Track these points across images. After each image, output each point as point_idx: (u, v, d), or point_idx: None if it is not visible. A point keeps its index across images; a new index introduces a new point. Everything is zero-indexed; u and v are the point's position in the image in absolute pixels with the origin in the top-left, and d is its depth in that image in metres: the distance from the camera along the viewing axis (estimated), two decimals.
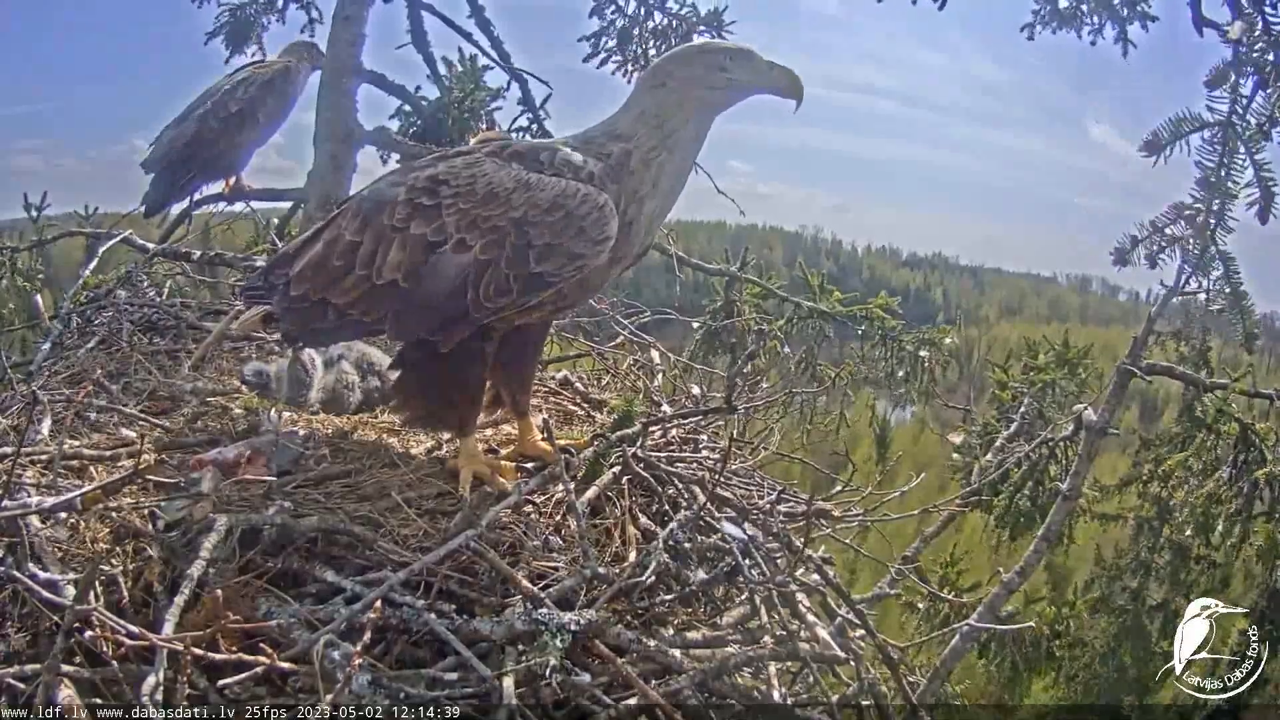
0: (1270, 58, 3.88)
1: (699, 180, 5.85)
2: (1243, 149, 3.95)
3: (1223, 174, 4.00)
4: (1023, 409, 6.29)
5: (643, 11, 6.55)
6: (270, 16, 6.74)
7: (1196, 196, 4.06)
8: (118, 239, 5.05)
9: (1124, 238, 4.18)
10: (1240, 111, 3.97)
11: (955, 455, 6.42)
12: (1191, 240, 4.04)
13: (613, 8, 6.57)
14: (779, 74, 2.88)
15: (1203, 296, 4.43)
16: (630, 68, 6.63)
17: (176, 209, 5.91)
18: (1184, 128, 3.99)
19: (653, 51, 6.58)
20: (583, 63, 6.63)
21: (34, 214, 5.89)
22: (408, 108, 6.34)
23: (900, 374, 6.43)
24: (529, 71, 6.59)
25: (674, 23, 6.53)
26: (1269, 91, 3.89)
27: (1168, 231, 4.13)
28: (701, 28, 6.48)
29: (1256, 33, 3.89)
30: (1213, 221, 4.05)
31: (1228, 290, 4.18)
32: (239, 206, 6.04)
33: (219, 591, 2.20)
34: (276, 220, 6.35)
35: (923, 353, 6.37)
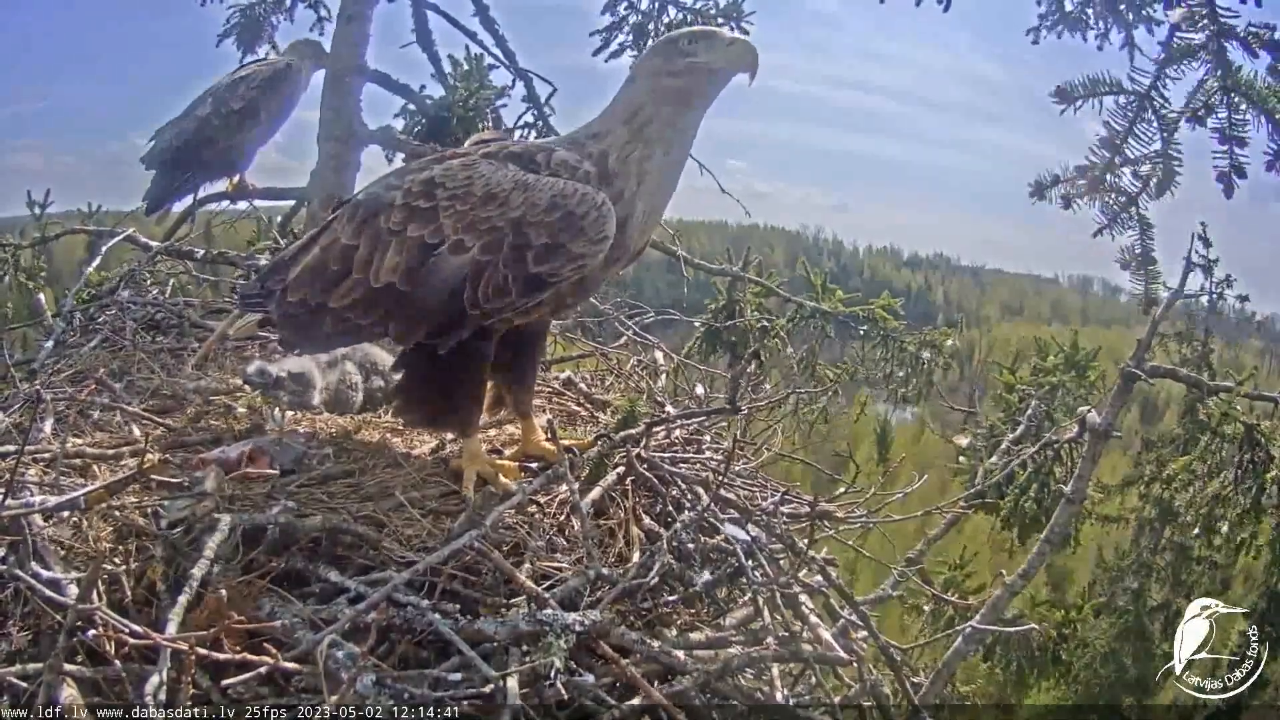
0: (1216, 46, 3.87)
1: (699, 180, 5.84)
2: (1156, 123, 3.92)
3: (1129, 141, 3.97)
4: (1029, 411, 6.27)
5: (656, 6, 6.52)
6: (279, 16, 6.74)
7: (1096, 153, 4.02)
8: (121, 237, 5.05)
9: (1045, 172, 4.10)
10: (1160, 89, 3.95)
11: (961, 458, 6.40)
12: (1085, 186, 3.99)
13: (625, 3, 6.54)
14: (737, 49, 2.78)
15: (1205, 299, 4.43)
16: None
17: (179, 207, 5.92)
18: (1100, 88, 3.94)
19: None
20: (592, 56, 6.59)
21: (36, 211, 5.89)
22: (412, 107, 6.34)
23: (900, 374, 6.42)
24: (533, 71, 6.58)
25: (688, 17, 6.49)
26: (1211, 79, 3.88)
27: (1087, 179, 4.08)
28: (720, 20, 6.45)
29: (1202, 20, 3.88)
30: (1125, 191, 4.01)
31: (1138, 252, 4.13)
32: (242, 205, 6.05)
33: (222, 591, 2.20)
34: (280, 218, 6.34)
35: (924, 354, 6.36)
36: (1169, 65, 3.86)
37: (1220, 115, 3.75)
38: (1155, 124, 3.85)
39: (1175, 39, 3.88)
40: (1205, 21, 3.84)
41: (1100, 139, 3.92)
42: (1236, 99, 3.72)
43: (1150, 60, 3.97)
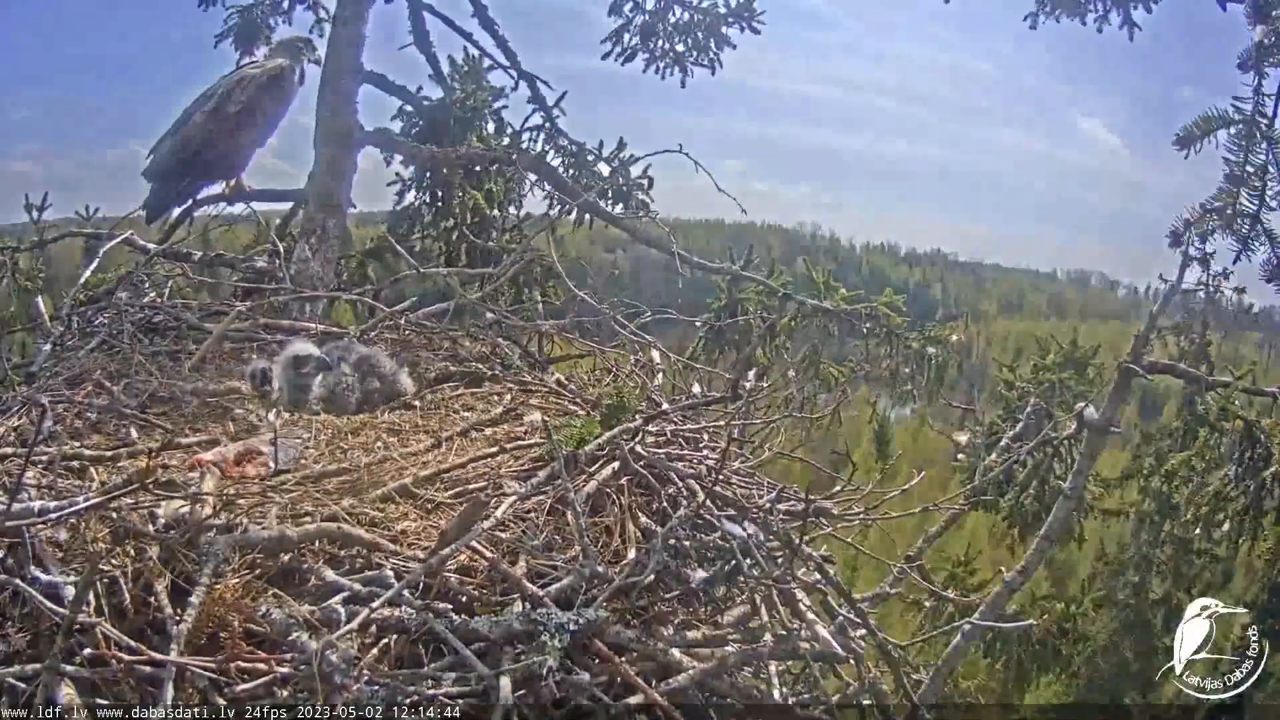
0: None
1: (697, 178, 5.83)
2: (1264, 145, 4.00)
3: (1247, 168, 4.07)
4: (1029, 409, 6.27)
5: (662, 5, 6.51)
6: (277, 18, 6.75)
7: (1224, 189, 4.11)
8: (118, 240, 5.05)
9: (1178, 220, 4.22)
10: (1262, 110, 4.01)
11: (961, 456, 6.40)
12: (1236, 221, 4.08)
13: (630, 4, 6.54)
14: None
15: (1202, 293, 4.43)
16: (660, 65, 6.60)
17: (177, 211, 5.91)
18: (1213, 124, 4.03)
19: (680, 47, 6.54)
20: (602, 60, 6.59)
21: (34, 215, 5.89)
22: (409, 108, 6.34)
23: (906, 371, 6.39)
24: (532, 73, 6.58)
25: (695, 16, 6.49)
26: None
27: (1216, 211, 4.17)
28: (730, 20, 6.45)
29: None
30: (1239, 210, 4.10)
31: (1275, 263, 4.22)
32: (239, 208, 6.04)
33: (220, 591, 2.21)
34: (277, 221, 6.34)
35: (930, 350, 6.33)
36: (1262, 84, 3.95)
37: None
38: (1264, 146, 3.94)
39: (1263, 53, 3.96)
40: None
41: (1225, 175, 4.02)
42: None
43: (1247, 87, 4.06)
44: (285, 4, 6.75)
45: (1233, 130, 4.01)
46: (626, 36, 6.58)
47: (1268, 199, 4.06)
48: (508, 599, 2.42)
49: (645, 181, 6.46)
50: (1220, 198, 4.12)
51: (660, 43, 6.56)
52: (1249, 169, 4.03)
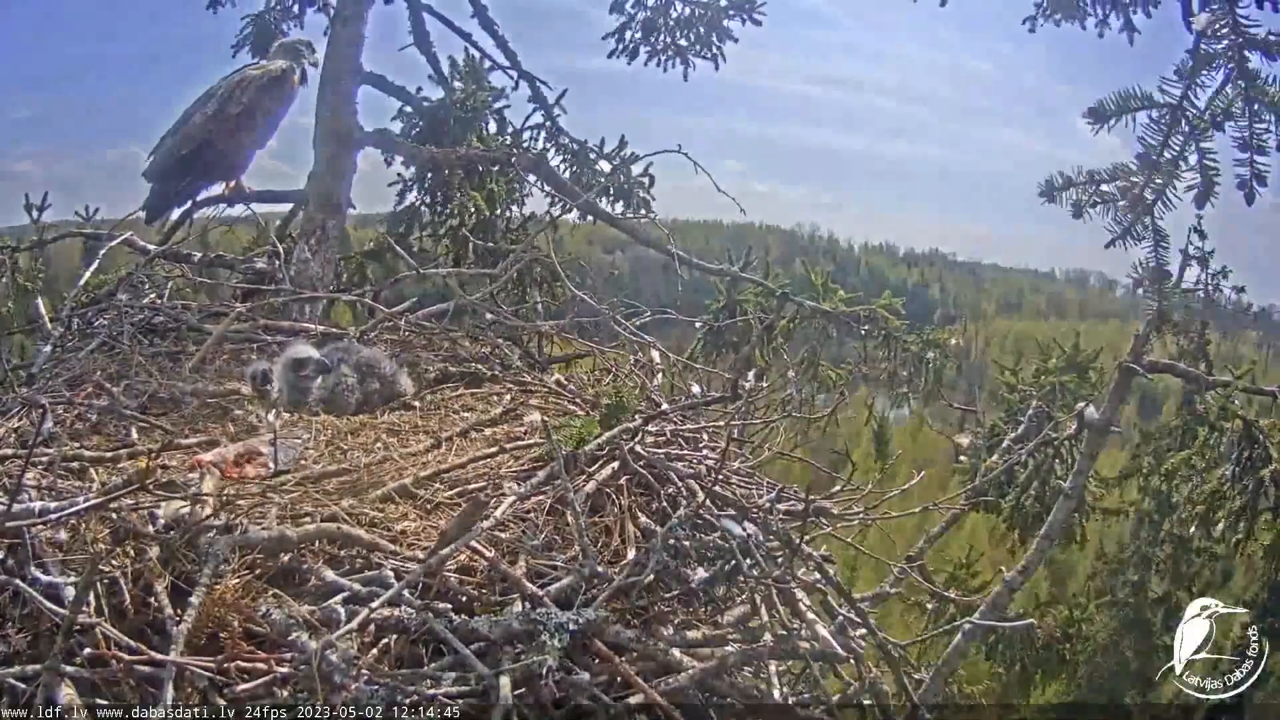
0: (1237, 55, 3.88)
1: (696, 179, 5.83)
2: (1188, 132, 3.94)
3: (1164, 155, 3.99)
4: (1030, 410, 6.26)
5: (663, 1, 6.51)
6: (289, 22, 6.76)
7: (1135, 170, 4.04)
8: (118, 240, 5.05)
9: (1056, 175, 4.10)
10: (1191, 99, 3.97)
11: (962, 458, 6.39)
12: (1124, 206, 4.01)
13: (632, 1, 6.54)
14: None
15: (1201, 292, 4.43)
16: (662, 59, 6.60)
17: (177, 212, 5.91)
18: (1131, 103, 3.96)
19: (683, 41, 6.54)
20: (608, 58, 6.59)
21: (34, 215, 5.89)
22: (409, 109, 6.34)
23: (904, 374, 6.39)
24: (531, 73, 6.58)
25: (696, 10, 6.48)
26: (1232, 86, 3.89)
27: (1104, 188, 4.09)
28: (731, 12, 6.44)
29: (1223, 29, 3.89)
30: (1150, 197, 4.04)
31: (1152, 265, 4.15)
32: (239, 209, 6.04)
33: (220, 591, 2.21)
34: (277, 222, 6.34)
35: (928, 354, 6.33)
36: (1196, 74, 3.87)
37: (1241, 123, 3.76)
38: (1187, 134, 3.85)
39: (1201, 48, 3.89)
40: (1226, 29, 3.85)
41: (1137, 155, 3.93)
42: (1258, 107, 3.72)
43: (1174, 70, 3.98)
44: (295, 8, 6.76)
45: (1154, 114, 3.95)
46: (629, 33, 6.58)
47: (1168, 194, 3.97)
48: (508, 599, 2.42)
49: (646, 180, 6.47)
50: (1118, 175, 4.03)
51: (662, 37, 6.56)
52: (1166, 155, 3.95)
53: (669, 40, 6.54)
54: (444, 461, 3.03)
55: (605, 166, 6.53)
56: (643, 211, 6.37)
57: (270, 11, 6.71)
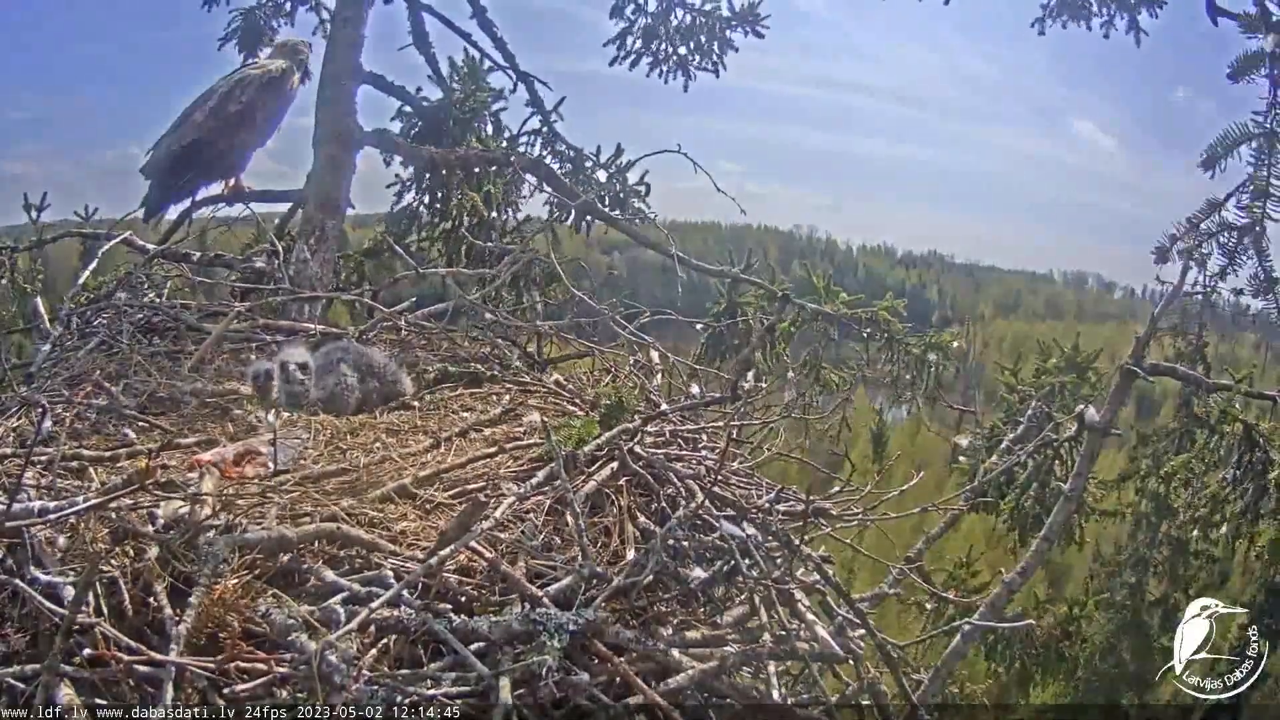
0: None
1: (694, 181, 5.83)
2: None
3: (1270, 179, 4.12)
4: (1030, 412, 6.26)
5: (663, 7, 6.51)
6: (280, 20, 6.75)
7: (1248, 204, 4.16)
8: (117, 240, 5.04)
9: (1163, 237, 4.25)
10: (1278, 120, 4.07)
11: (961, 459, 6.39)
12: (1229, 236, 4.14)
13: (632, 6, 6.54)
14: None
15: (1200, 296, 4.45)
16: (664, 68, 6.59)
17: (176, 211, 5.91)
18: (1232, 141, 4.09)
19: (684, 50, 6.54)
20: (609, 66, 6.60)
21: (33, 215, 5.89)
22: (408, 109, 6.34)
23: (906, 377, 6.38)
24: (531, 74, 6.58)
25: (697, 19, 6.48)
26: None
27: (1203, 227, 4.20)
28: (734, 24, 6.44)
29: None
30: (1238, 226, 4.15)
31: (1262, 278, 4.26)
32: (238, 208, 6.03)
33: (219, 591, 2.21)
34: (276, 221, 6.34)
35: (930, 356, 6.32)
36: (1242, 75, 3.97)
37: None
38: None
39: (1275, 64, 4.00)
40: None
41: (1250, 192, 4.05)
42: None
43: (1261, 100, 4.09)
44: (287, 6, 6.74)
45: (1254, 145, 4.08)
46: (629, 40, 6.58)
47: (1270, 212, 4.10)
48: (507, 599, 2.42)
49: (642, 189, 6.46)
50: (1246, 210, 4.16)
51: (663, 46, 6.56)
52: (1274, 181, 4.10)
53: (670, 49, 6.55)
54: (443, 462, 3.03)
55: (602, 176, 6.53)
56: (639, 219, 6.36)
57: (261, 7, 6.69)
